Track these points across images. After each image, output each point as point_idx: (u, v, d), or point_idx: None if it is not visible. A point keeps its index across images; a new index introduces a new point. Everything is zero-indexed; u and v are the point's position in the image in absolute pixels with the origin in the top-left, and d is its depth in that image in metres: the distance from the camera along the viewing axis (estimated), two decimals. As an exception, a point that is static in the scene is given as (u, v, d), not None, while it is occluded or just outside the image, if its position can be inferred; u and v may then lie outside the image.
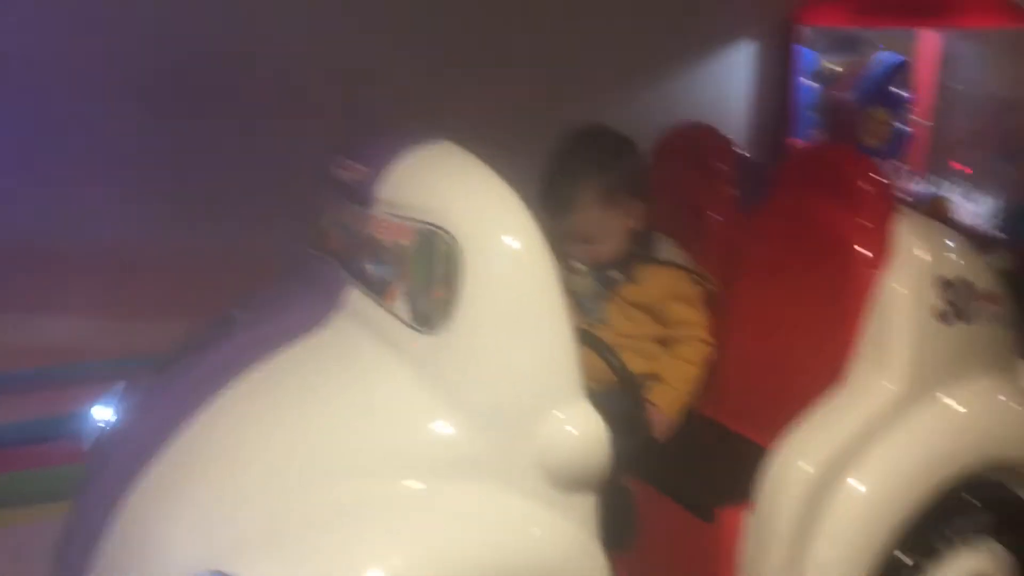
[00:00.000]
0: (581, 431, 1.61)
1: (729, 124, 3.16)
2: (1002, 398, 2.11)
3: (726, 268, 2.34)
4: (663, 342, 2.22)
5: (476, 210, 1.66)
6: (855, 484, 1.91)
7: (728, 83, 3.20)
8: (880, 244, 2.04)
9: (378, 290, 1.75)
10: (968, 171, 3.41)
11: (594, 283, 2.18)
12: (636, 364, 2.14)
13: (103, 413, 1.96)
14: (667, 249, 2.22)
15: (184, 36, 2.39)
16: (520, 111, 2.78)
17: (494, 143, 1.96)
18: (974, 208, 3.35)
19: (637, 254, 2.19)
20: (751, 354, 2.25)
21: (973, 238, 3.25)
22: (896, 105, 3.12)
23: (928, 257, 2.04)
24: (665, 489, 2.07)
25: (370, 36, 2.59)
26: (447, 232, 1.64)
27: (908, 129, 3.17)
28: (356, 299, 1.79)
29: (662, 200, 2.45)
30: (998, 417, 2.08)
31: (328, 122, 2.44)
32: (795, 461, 1.93)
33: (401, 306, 1.69)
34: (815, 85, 3.29)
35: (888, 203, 2.09)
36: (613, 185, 2.08)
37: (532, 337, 1.61)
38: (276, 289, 2.01)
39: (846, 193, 2.09)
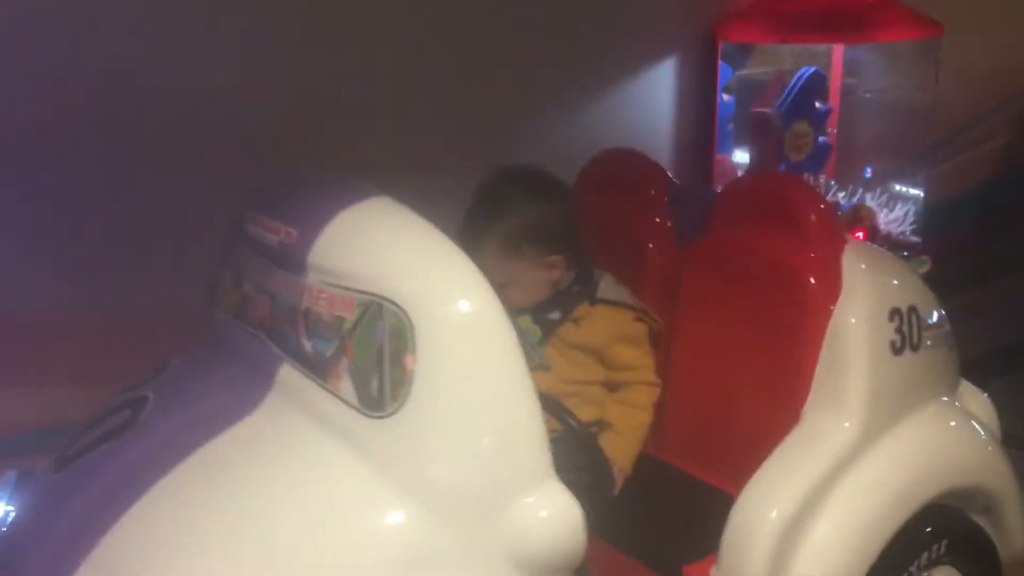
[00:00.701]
0: (554, 515, 1.49)
1: (655, 142, 3.08)
2: (953, 423, 2.09)
3: (667, 302, 2.25)
4: (608, 385, 2.11)
5: (424, 276, 1.51)
6: (821, 531, 1.85)
7: (652, 101, 3.12)
8: (832, 276, 1.98)
9: (318, 369, 1.57)
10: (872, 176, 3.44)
11: (533, 325, 2.05)
12: (584, 411, 2.03)
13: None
14: (608, 286, 2.10)
15: (77, 71, 2.12)
16: (441, 148, 2.62)
17: (414, 180, 1.85)
18: (889, 214, 3.38)
19: (576, 293, 2.06)
20: (704, 394, 2.18)
21: (895, 245, 3.30)
22: (816, 118, 3.10)
23: (879, 288, 2.00)
24: (626, 547, 1.97)
25: (282, 75, 2.37)
26: (394, 303, 1.48)
27: (827, 141, 3.15)
28: (291, 378, 1.61)
29: (592, 230, 2.36)
30: (953, 444, 2.06)
31: (241, 166, 2.22)
32: (760, 510, 1.86)
33: (346, 387, 1.52)
34: (731, 100, 3.25)
35: (837, 233, 2.03)
36: (517, 235, 1.92)
37: (496, 415, 1.47)
38: (191, 363, 1.80)
39: (795, 224, 2.02)
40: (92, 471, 1.62)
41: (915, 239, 3.33)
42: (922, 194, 3.43)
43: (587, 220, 2.38)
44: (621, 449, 2.02)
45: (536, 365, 2.05)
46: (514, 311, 2.03)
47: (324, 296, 1.57)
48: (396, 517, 1.45)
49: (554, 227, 1.96)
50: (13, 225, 2.19)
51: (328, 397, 1.54)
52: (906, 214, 3.37)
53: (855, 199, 3.33)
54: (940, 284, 2.20)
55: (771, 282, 2.04)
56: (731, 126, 3.23)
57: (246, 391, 1.63)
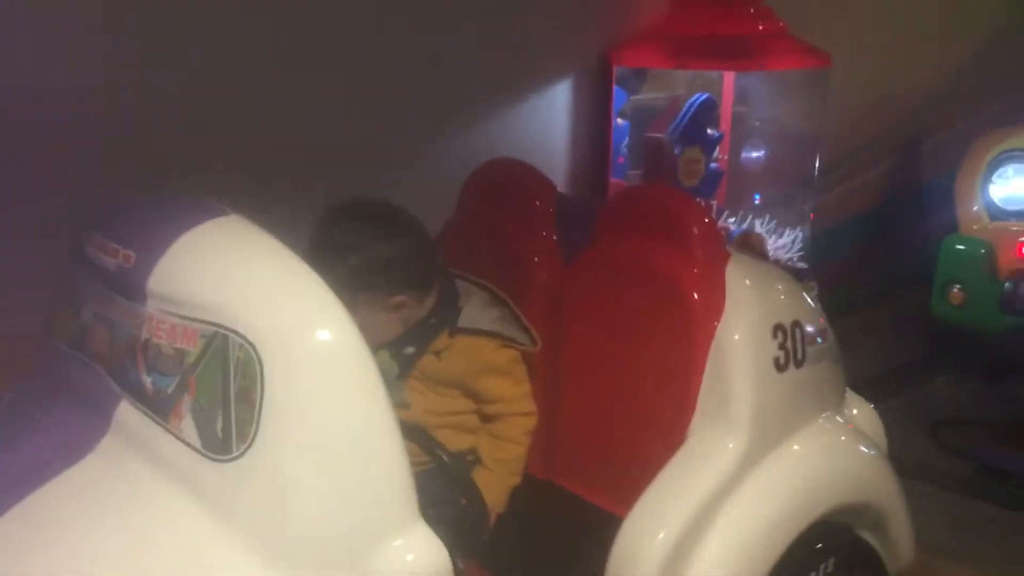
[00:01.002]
0: (421, 558, 1.38)
1: (550, 166, 3.00)
2: (841, 439, 2.06)
3: (552, 317, 2.17)
4: (480, 415, 1.99)
5: (274, 304, 1.39)
6: (710, 552, 1.81)
7: (547, 124, 3.05)
8: (715, 292, 1.93)
9: (159, 408, 1.43)
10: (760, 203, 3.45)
11: (390, 360, 1.90)
12: (457, 440, 1.95)
13: None
14: (472, 312, 1.94)
15: None
16: (324, 163, 2.47)
17: (278, 204, 1.71)
18: (778, 240, 3.39)
19: (433, 325, 1.91)
20: (591, 412, 2.11)
21: (785, 271, 3.30)
22: (708, 144, 3.08)
23: (763, 303, 1.95)
24: (510, 575, 1.88)
25: (135, 83, 2.19)
26: (240, 335, 1.35)
27: (719, 167, 3.14)
28: (130, 418, 1.46)
29: (477, 241, 2.26)
30: (841, 460, 2.03)
31: (84, 183, 2.04)
32: (646, 532, 1.80)
33: (188, 428, 1.38)
34: (625, 125, 3.21)
35: (721, 248, 1.98)
36: (353, 281, 1.73)
37: (355, 455, 1.36)
38: (22, 399, 1.62)
39: (677, 238, 1.95)
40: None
41: (803, 265, 3.35)
42: (810, 221, 3.45)
43: (471, 231, 2.30)
44: (492, 486, 1.90)
45: (395, 403, 1.92)
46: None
47: (165, 326, 1.43)
48: (243, 570, 1.32)
49: (393, 266, 1.80)
50: None
51: (169, 439, 1.40)
52: (794, 240, 3.38)
53: (744, 225, 3.32)
54: (827, 309, 2.17)
55: (655, 296, 1.97)
56: (625, 151, 3.19)
57: (81, 432, 1.47)
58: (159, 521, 1.36)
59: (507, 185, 2.31)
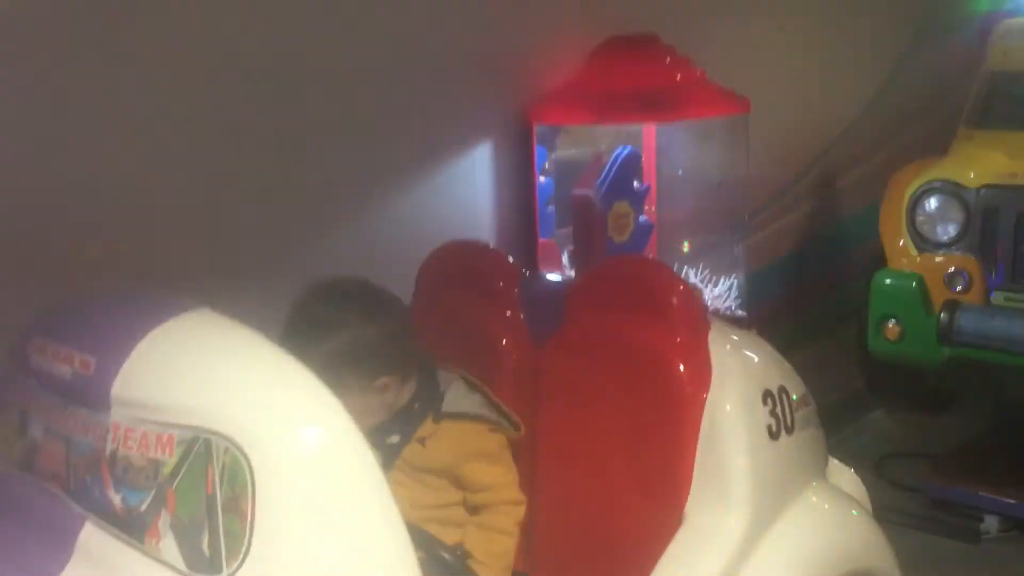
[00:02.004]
0: None
1: (477, 230, 2.96)
2: (836, 506, 2.00)
3: (526, 402, 2.06)
4: (468, 506, 1.88)
5: (261, 400, 1.26)
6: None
7: (470, 188, 3.00)
8: (701, 362, 1.86)
9: (131, 527, 1.27)
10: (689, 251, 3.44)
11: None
12: (445, 535, 1.81)
13: None
14: (456, 396, 1.86)
15: None
16: (255, 256, 2.36)
17: (232, 293, 1.59)
18: (714, 289, 3.37)
19: (417, 410, 1.82)
20: (576, 500, 1.99)
21: (728, 322, 3.27)
22: (635, 197, 3.06)
23: (749, 370, 1.90)
24: None
25: (72, 167, 2.05)
26: (225, 436, 1.22)
27: (647, 220, 3.11)
28: (96, 542, 1.29)
29: (442, 327, 2.16)
30: (839, 529, 1.97)
31: (23, 282, 1.88)
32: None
33: (169, 547, 1.23)
34: (548, 182, 3.17)
35: (702, 316, 1.93)
36: (336, 362, 1.64)
37: (365, 566, 1.21)
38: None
39: (658, 309, 1.89)
40: None
41: (741, 313, 3.33)
42: (743, 266, 3.44)
43: (435, 318, 2.19)
44: None
45: None
46: None
47: (135, 435, 1.28)
48: None
49: (378, 347, 1.73)
50: None
51: (146, 562, 1.24)
52: (730, 288, 3.36)
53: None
54: None
55: (638, 372, 1.90)
56: (551, 208, 3.15)
57: (40, 562, 1.29)
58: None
59: (465, 267, 2.24)
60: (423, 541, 1.57)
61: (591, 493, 1.98)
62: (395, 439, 1.79)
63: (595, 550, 1.96)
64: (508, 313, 2.16)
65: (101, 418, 1.32)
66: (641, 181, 3.16)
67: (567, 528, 2.02)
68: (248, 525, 1.19)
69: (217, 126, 2.32)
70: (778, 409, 1.90)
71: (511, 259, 2.25)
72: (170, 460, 1.25)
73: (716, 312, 3.28)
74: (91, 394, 1.34)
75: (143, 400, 1.29)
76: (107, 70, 2.12)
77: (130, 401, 1.30)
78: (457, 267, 2.24)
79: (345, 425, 1.25)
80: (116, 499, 1.28)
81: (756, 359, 1.95)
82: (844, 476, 2.21)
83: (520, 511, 1.87)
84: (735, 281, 3.40)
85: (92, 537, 1.30)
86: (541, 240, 3.15)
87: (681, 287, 1.93)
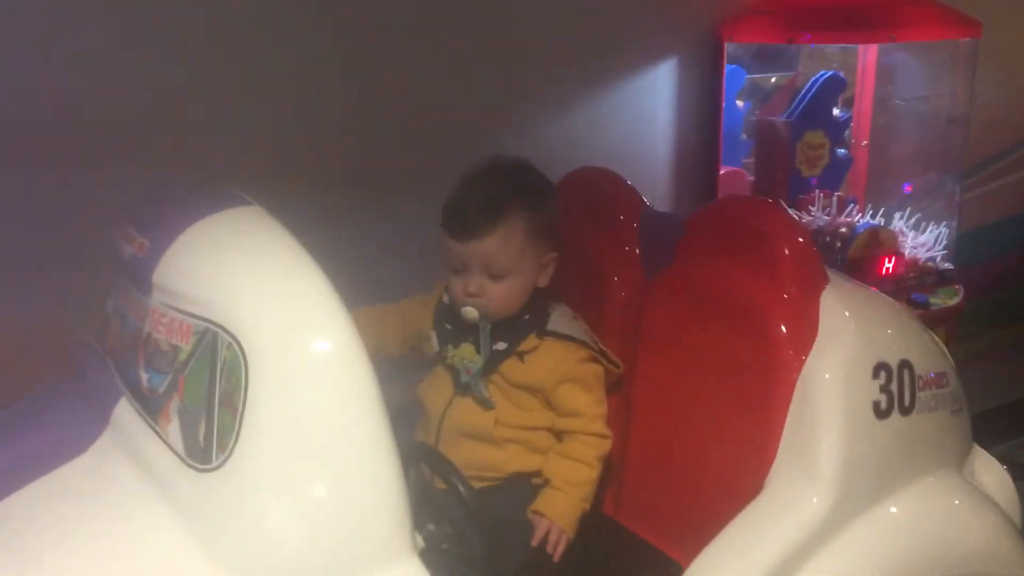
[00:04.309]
0: (410, 600, 1.21)
1: (654, 152, 2.78)
2: (956, 502, 1.76)
3: (627, 340, 1.97)
4: (555, 431, 1.83)
5: (270, 303, 1.26)
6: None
7: (648, 108, 2.80)
8: (806, 321, 1.68)
9: (151, 407, 1.33)
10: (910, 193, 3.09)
11: (475, 355, 1.78)
12: (525, 460, 1.81)
13: None
14: (560, 318, 1.83)
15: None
16: (414, 143, 2.37)
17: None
18: (918, 237, 3.03)
19: (525, 322, 1.80)
20: (661, 448, 1.89)
21: (923, 272, 2.94)
22: (833, 127, 2.75)
23: (863, 337, 1.68)
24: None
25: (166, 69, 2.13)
26: (228, 331, 1.23)
27: (847, 153, 2.81)
28: (125, 417, 1.36)
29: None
30: (953, 528, 1.74)
31: (125, 174, 1.99)
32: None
33: (174, 431, 1.27)
34: (746, 107, 2.94)
35: (817, 271, 1.73)
36: (539, 217, 1.76)
37: (344, 476, 1.21)
38: (45, 393, 1.56)
39: (765, 257, 1.72)
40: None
41: (947, 266, 2.97)
42: (956, 217, 3.08)
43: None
44: (561, 509, 1.74)
45: (479, 400, 1.79)
46: (455, 338, 1.78)
47: (164, 320, 1.33)
48: (213, 595, 1.19)
49: (553, 225, 1.81)
50: None
51: (156, 442, 1.29)
52: (937, 238, 3.00)
53: (881, 220, 2.97)
54: (969, 320, 1.86)
55: (737, 325, 1.74)
56: (744, 136, 2.90)
57: (82, 428, 1.39)
58: (137, 533, 1.25)
59: (591, 196, 2.14)
60: (446, 472, 1.54)
61: (677, 444, 1.87)
62: (502, 346, 1.79)
63: (673, 502, 1.87)
64: (625, 248, 2.05)
65: (144, 300, 1.38)
66: (845, 109, 2.87)
67: (649, 476, 1.93)
68: (237, 421, 1.20)
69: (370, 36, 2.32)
70: (893, 385, 1.68)
71: (635, 191, 2.12)
72: (186, 347, 1.28)
73: (915, 262, 2.97)
74: (140, 277, 1.40)
75: (173, 287, 1.33)
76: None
77: (165, 287, 1.35)
78: (583, 194, 2.14)
79: (350, 340, 1.22)
80: (144, 379, 1.34)
81: (877, 326, 1.73)
82: (991, 474, 1.96)
83: (605, 445, 1.81)
84: (944, 231, 3.05)
85: (124, 412, 1.37)
86: (726, 169, 2.95)
87: (798, 235, 1.74)
